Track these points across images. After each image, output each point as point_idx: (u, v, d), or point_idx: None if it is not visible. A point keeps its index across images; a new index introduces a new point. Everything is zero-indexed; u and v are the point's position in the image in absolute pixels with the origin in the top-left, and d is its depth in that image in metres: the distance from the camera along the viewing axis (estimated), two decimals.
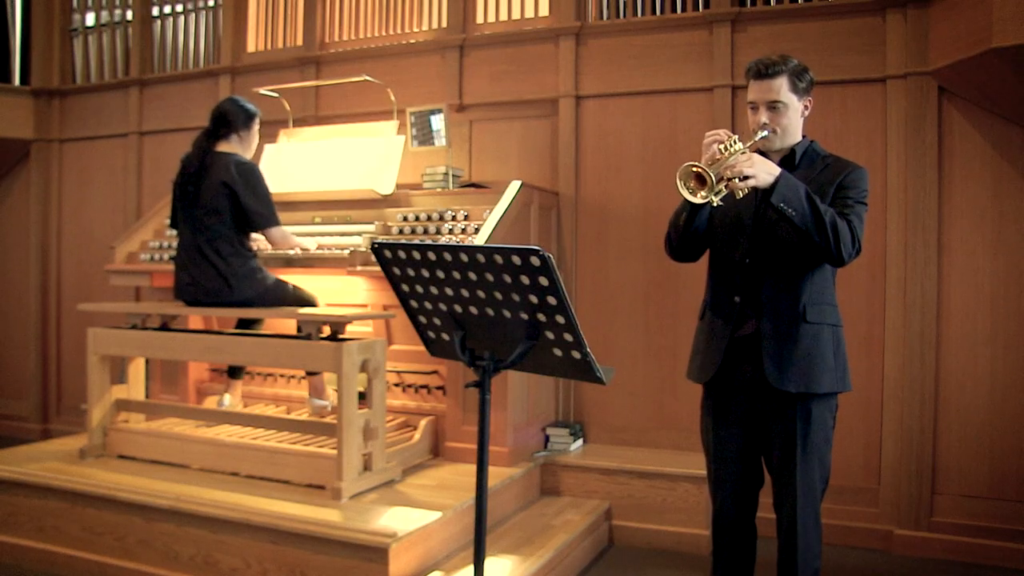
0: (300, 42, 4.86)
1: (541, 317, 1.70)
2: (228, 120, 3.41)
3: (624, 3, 4.11)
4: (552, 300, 1.65)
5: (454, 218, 3.66)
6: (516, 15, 4.37)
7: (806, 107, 2.29)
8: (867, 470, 3.60)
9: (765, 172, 2.04)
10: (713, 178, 1.99)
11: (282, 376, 4.09)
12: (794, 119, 2.26)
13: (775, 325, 2.18)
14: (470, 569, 2.50)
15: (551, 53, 4.19)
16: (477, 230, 3.52)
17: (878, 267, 3.60)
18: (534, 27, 4.26)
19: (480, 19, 4.41)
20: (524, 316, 1.72)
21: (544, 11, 4.32)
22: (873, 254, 3.61)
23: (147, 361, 3.93)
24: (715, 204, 2.04)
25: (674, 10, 3.99)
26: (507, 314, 1.74)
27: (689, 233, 2.27)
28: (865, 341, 3.61)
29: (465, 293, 1.78)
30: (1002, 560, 3.33)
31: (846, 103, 3.66)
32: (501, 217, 3.51)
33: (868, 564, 3.40)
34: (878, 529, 3.55)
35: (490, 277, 1.70)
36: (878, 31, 3.58)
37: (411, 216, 3.74)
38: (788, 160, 2.28)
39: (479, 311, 1.79)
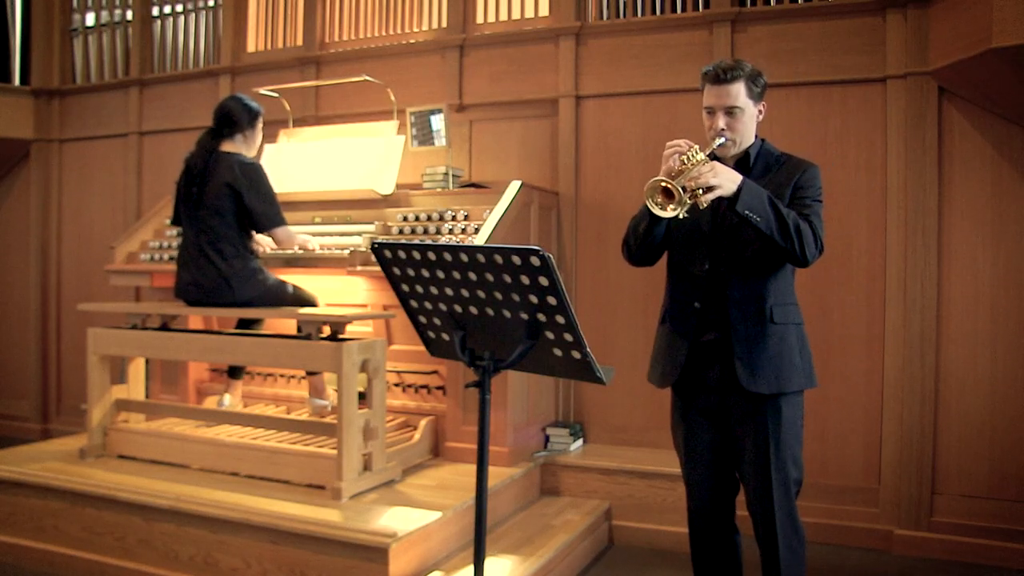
0: (300, 42, 4.86)
1: (541, 317, 1.70)
2: (232, 119, 3.41)
3: (624, 3, 4.11)
4: (552, 300, 1.65)
5: (454, 218, 3.66)
6: (516, 15, 4.37)
7: (760, 112, 2.30)
8: (867, 470, 3.60)
9: (729, 181, 2.05)
10: (681, 193, 1.99)
11: (282, 376, 4.09)
12: (750, 124, 2.27)
13: (744, 328, 2.19)
14: (470, 569, 2.50)
15: (551, 53, 4.19)
16: (477, 230, 3.52)
17: (878, 267, 3.60)
18: (534, 27, 4.26)
19: (480, 19, 4.41)
20: (524, 316, 1.72)
21: (544, 11, 4.32)
22: (873, 254, 3.61)
23: (147, 361, 3.93)
24: (682, 217, 2.05)
25: (674, 10, 3.99)
26: (507, 314, 1.74)
27: (648, 241, 2.28)
28: (865, 341, 3.61)
29: (465, 293, 1.78)
30: (1002, 560, 3.34)
31: (846, 103, 3.66)
32: (501, 217, 3.51)
33: (868, 564, 3.40)
34: (878, 529, 3.55)
35: (490, 277, 1.70)
36: (878, 31, 3.58)
37: (411, 216, 3.74)
38: (743, 163, 2.29)
39: (479, 311, 1.79)
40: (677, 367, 2.27)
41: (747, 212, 2.05)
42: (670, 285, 2.37)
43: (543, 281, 1.63)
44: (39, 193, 5.63)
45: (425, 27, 4.58)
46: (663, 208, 2.02)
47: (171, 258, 4.04)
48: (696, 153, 2.09)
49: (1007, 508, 3.38)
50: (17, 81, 5.57)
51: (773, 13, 3.77)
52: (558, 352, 1.74)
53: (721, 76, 2.22)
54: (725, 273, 2.22)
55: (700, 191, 2.03)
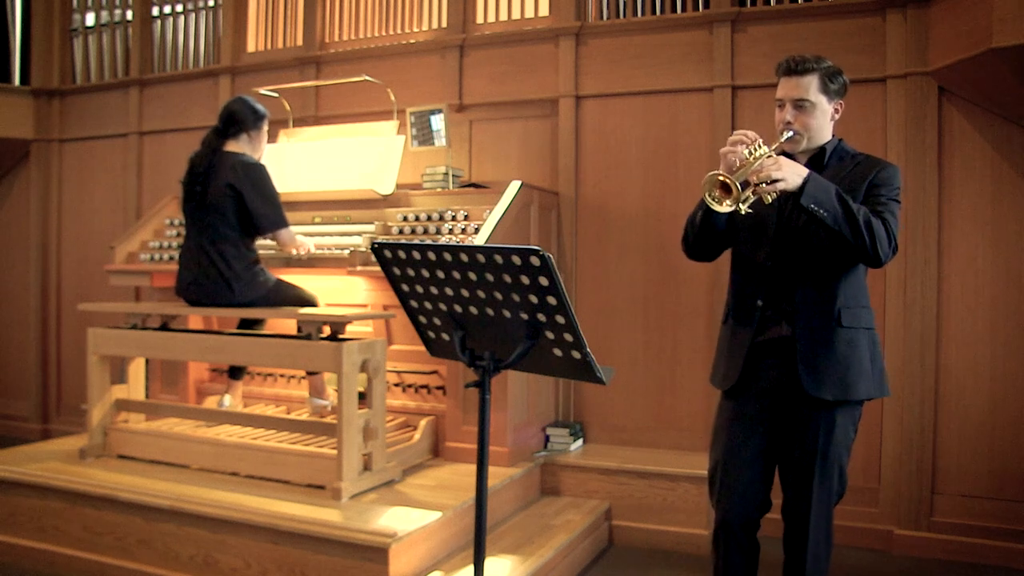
0: (300, 42, 4.86)
1: (541, 317, 1.70)
2: (236, 119, 3.41)
3: (624, 3, 4.11)
4: (552, 300, 1.65)
5: (454, 218, 3.66)
6: (516, 15, 4.37)
7: (836, 110, 2.24)
8: (867, 470, 3.60)
9: (794, 174, 1.98)
10: (739, 188, 1.93)
11: (282, 376, 4.09)
12: (822, 121, 2.20)
13: (809, 330, 2.11)
14: (470, 569, 2.50)
15: (551, 53, 4.19)
16: (477, 230, 3.52)
17: None
18: (534, 27, 4.26)
19: (480, 19, 4.41)
20: (524, 316, 1.72)
21: (544, 11, 4.32)
22: None
23: (147, 361, 3.93)
24: (743, 212, 1.98)
25: (674, 10, 3.99)
26: (507, 314, 1.74)
27: (707, 232, 2.21)
28: None
29: (465, 293, 1.78)
30: (1002, 560, 3.34)
31: (846, 103, 3.64)
32: (501, 217, 3.51)
33: (868, 564, 3.40)
34: (878, 529, 3.55)
35: (490, 277, 1.70)
36: (878, 31, 3.58)
37: (411, 216, 3.74)
38: (817, 159, 2.23)
39: (479, 311, 1.79)
40: (738, 367, 2.20)
41: (812, 206, 1.97)
42: (733, 282, 2.30)
43: (543, 281, 1.63)
44: (39, 193, 5.63)
45: (425, 27, 4.58)
46: (719, 202, 1.96)
47: (171, 258, 4.05)
48: (759, 147, 2.03)
49: (1007, 508, 3.39)
50: (17, 81, 5.57)
51: (773, 13, 3.76)
52: (558, 352, 1.74)
53: (792, 68, 2.18)
54: (791, 271, 2.14)
55: (763, 184, 1.96)
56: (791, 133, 2.18)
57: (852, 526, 3.57)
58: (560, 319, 1.68)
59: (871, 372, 2.15)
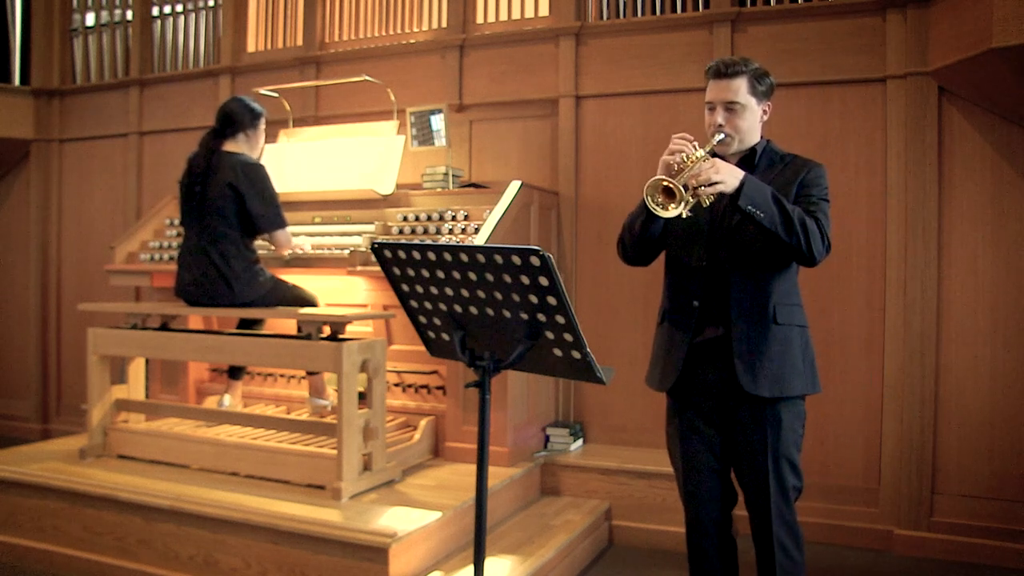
0: (300, 42, 4.87)
1: (541, 317, 1.70)
2: (233, 119, 3.40)
3: (624, 3, 4.11)
4: (552, 300, 1.65)
5: (454, 218, 3.66)
6: (516, 15, 4.37)
7: (765, 111, 2.26)
8: (867, 470, 3.60)
9: (731, 176, 2.01)
10: (683, 192, 1.95)
11: (282, 376, 4.09)
12: (752, 122, 2.22)
13: (746, 328, 2.14)
14: (470, 569, 2.50)
15: (551, 53, 4.19)
16: (477, 230, 3.52)
17: (878, 267, 3.60)
18: (534, 27, 4.26)
19: (480, 19, 4.42)
20: (524, 316, 1.72)
21: (544, 11, 4.32)
22: (873, 254, 3.61)
23: (147, 361, 3.93)
24: (684, 216, 2.00)
25: (674, 10, 3.99)
26: (507, 314, 1.74)
27: (645, 238, 2.23)
28: (865, 341, 3.61)
29: (465, 293, 1.78)
30: (1002, 560, 3.34)
31: (846, 103, 3.66)
32: (501, 217, 3.51)
33: (868, 564, 3.40)
34: (878, 529, 3.55)
35: (490, 277, 1.70)
36: (878, 31, 3.58)
37: (411, 216, 3.74)
38: (748, 160, 2.25)
39: (479, 311, 1.79)
40: (676, 368, 2.22)
41: (750, 207, 1.99)
42: (668, 284, 2.32)
43: (543, 281, 1.63)
44: (39, 193, 5.63)
45: (425, 27, 4.58)
46: (664, 208, 1.97)
47: (171, 258, 4.05)
48: (696, 150, 2.05)
49: (1007, 508, 3.39)
50: (17, 81, 5.57)
51: (773, 13, 3.77)
52: (558, 352, 1.74)
53: (722, 71, 2.19)
54: (725, 271, 2.17)
55: (702, 187, 1.98)
56: (722, 136, 2.19)
57: (852, 526, 3.58)
58: (560, 319, 1.68)
59: (803, 369, 2.18)
